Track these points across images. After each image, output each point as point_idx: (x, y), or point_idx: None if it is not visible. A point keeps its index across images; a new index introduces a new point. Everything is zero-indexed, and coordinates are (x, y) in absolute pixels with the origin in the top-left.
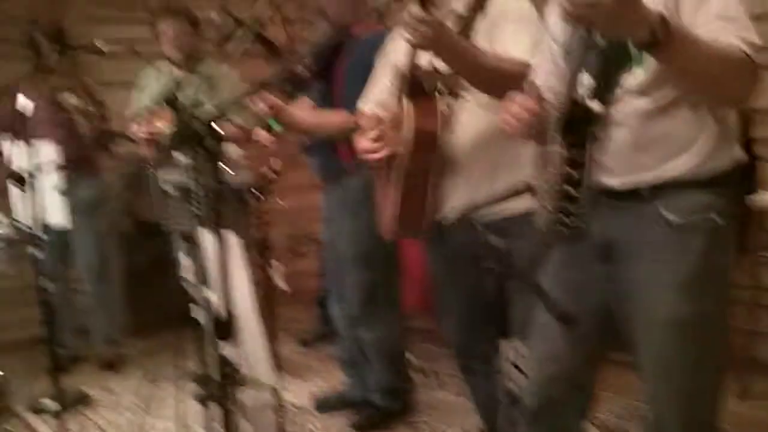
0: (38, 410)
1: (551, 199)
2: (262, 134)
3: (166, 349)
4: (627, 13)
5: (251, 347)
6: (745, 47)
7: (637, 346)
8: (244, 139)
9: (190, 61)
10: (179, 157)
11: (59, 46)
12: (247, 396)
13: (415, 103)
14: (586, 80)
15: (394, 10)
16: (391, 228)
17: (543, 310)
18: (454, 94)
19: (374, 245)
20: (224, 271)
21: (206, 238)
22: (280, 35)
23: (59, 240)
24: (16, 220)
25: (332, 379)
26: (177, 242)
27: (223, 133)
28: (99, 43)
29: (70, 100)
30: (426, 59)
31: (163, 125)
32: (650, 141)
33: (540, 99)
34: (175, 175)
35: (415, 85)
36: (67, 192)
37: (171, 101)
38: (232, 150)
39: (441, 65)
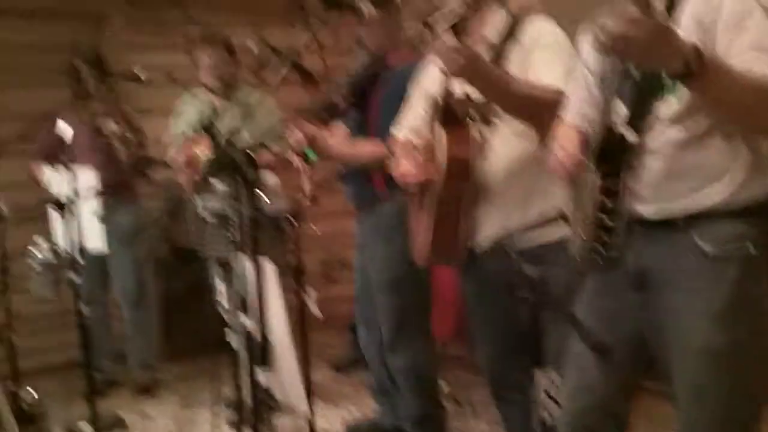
0: None
1: (585, 228)
2: (297, 161)
3: (201, 374)
4: (661, 45)
5: (285, 373)
6: None
7: (672, 375)
8: (281, 166)
9: (227, 88)
10: (217, 184)
11: (98, 73)
12: (280, 422)
13: (448, 131)
14: (620, 109)
15: (428, 39)
16: (425, 255)
17: (577, 339)
18: (487, 121)
19: (406, 272)
20: (261, 298)
21: (243, 265)
22: (316, 63)
23: (97, 265)
24: (56, 245)
25: (364, 406)
26: (213, 268)
27: (260, 161)
28: (137, 70)
29: (109, 126)
30: (459, 87)
31: (201, 152)
32: (684, 170)
33: (583, 140)
34: (212, 201)
35: (449, 113)
36: (105, 218)
37: (208, 128)
38: (268, 177)
39: (474, 93)
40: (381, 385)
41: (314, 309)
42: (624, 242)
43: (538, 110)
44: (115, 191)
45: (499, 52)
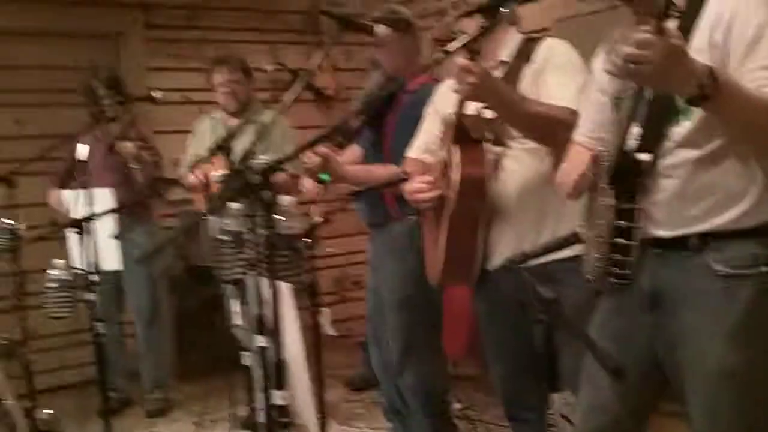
0: None
1: (599, 248)
2: (309, 186)
3: (214, 393)
4: (675, 68)
5: (299, 393)
6: None
7: (686, 396)
8: (296, 187)
9: (243, 109)
10: (233, 205)
11: (115, 93)
12: None
13: (462, 151)
14: (634, 131)
15: (444, 61)
16: (438, 274)
17: (591, 359)
18: (502, 141)
19: (417, 290)
20: (276, 318)
21: (257, 285)
22: (329, 83)
23: (112, 284)
24: (71, 265)
25: (378, 425)
26: (228, 288)
27: (276, 182)
28: (154, 93)
29: (125, 146)
30: (474, 107)
31: (217, 173)
32: (698, 191)
33: (594, 160)
34: (227, 221)
35: (462, 132)
36: (121, 237)
37: (224, 149)
38: (283, 197)
39: (488, 113)
40: (392, 404)
41: (328, 328)
42: (638, 263)
43: (551, 130)
44: (131, 211)
45: (512, 72)
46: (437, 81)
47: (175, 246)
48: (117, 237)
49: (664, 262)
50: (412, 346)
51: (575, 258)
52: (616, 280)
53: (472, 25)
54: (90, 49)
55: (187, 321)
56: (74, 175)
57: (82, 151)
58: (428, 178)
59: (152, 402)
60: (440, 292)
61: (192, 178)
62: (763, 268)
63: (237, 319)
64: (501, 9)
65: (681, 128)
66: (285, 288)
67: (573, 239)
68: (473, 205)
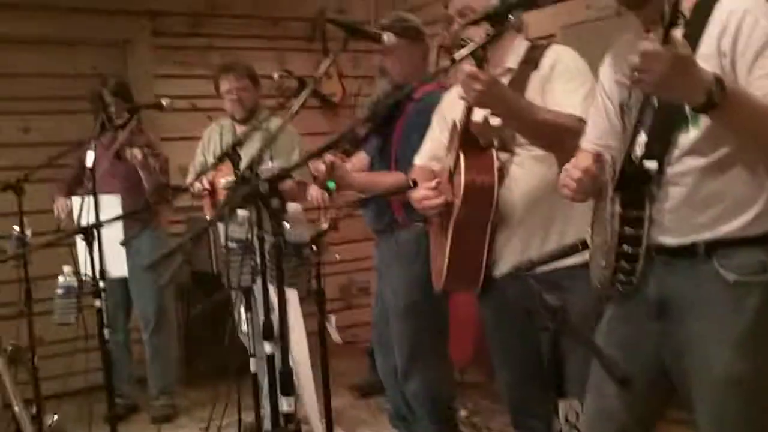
0: None
1: (606, 255)
2: (315, 193)
3: (220, 400)
4: (682, 78)
5: (306, 399)
6: None
7: (694, 404)
8: (303, 194)
9: (250, 116)
10: (240, 212)
11: (123, 100)
12: None
13: (469, 158)
14: (641, 139)
15: (451, 69)
16: (443, 280)
17: (597, 367)
18: (508, 148)
19: (423, 297)
20: (283, 325)
21: (264, 292)
22: (335, 89)
23: (119, 290)
24: (79, 271)
25: (383, 431)
26: (235, 295)
27: (283, 189)
28: (163, 101)
29: (133, 153)
30: (480, 114)
31: (225, 180)
32: (705, 199)
33: (597, 159)
34: (235, 228)
35: (470, 140)
36: (129, 243)
37: (232, 157)
38: (290, 205)
39: (495, 120)
40: (398, 410)
41: (335, 335)
42: (645, 270)
43: (558, 137)
44: (138, 218)
45: (519, 79)
46: (444, 88)
47: (183, 253)
48: (124, 244)
49: (672, 270)
50: (418, 352)
51: (582, 265)
52: (622, 288)
53: (478, 33)
54: (97, 57)
55: (194, 327)
56: (81, 182)
57: (90, 158)
58: (434, 185)
59: (158, 408)
60: (446, 299)
61: (199, 185)
62: None
63: (243, 326)
64: (508, 17)
65: (688, 136)
66: (292, 295)
67: (580, 246)
68: (479, 211)
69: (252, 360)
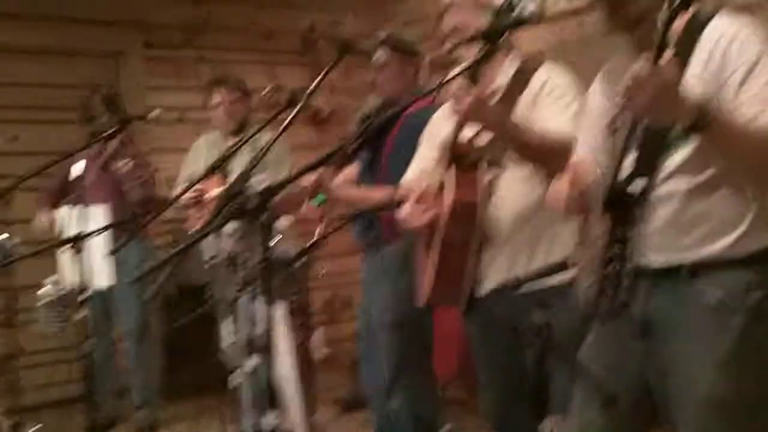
0: None
1: (593, 275)
2: (308, 209)
3: (203, 413)
4: (670, 102)
5: (292, 414)
6: None
7: (677, 424)
8: (292, 208)
9: (241, 129)
10: (228, 225)
11: (113, 111)
12: None
13: (457, 174)
14: (630, 160)
15: (442, 87)
16: (428, 295)
17: (582, 386)
18: (497, 166)
19: (409, 312)
20: (269, 339)
21: (250, 305)
22: (325, 103)
23: (103, 301)
24: (64, 281)
25: None
26: (221, 308)
27: (272, 202)
28: (154, 113)
29: (121, 164)
30: (470, 132)
31: (213, 192)
32: (691, 220)
33: (585, 174)
34: (222, 242)
35: (459, 157)
36: (114, 255)
37: (221, 169)
38: (281, 220)
39: (484, 138)
40: (382, 425)
41: (320, 349)
42: (630, 290)
43: (547, 155)
44: (125, 228)
45: (508, 97)
46: (435, 105)
47: (169, 265)
48: (111, 254)
49: (657, 290)
50: (403, 367)
51: (568, 284)
52: (608, 307)
53: (471, 51)
54: (89, 68)
55: (177, 339)
56: (67, 192)
57: (78, 168)
58: (421, 203)
59: (140, 420)
60: (431, 315)
61: (187, 197)
62: (755, 297)
63: (228, 339)
64: (500, 37)
65: (675, 157)
66: (280, 309)
67: (566, 265)
68: (465, 228)
69: (234, 373)
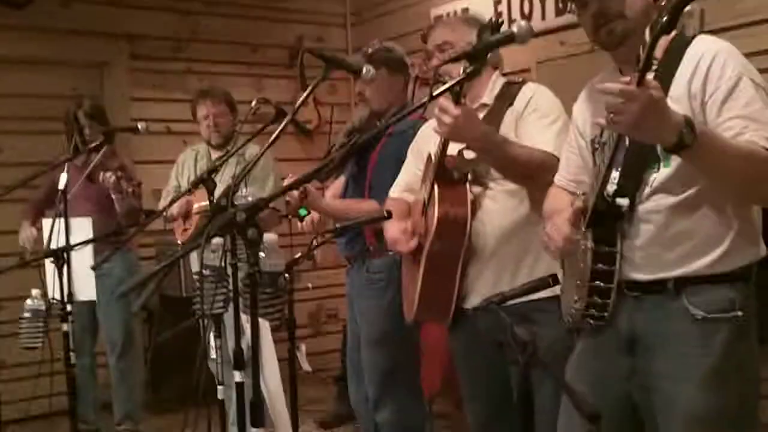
0: None
1: (578, 290)
2: (301, 223)
3: (186, 427)
4: (654, 120)
5: (278, 429)
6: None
7: None
8: (274, 221)
9: (227, 142)
10: (214, 239)
11: (98, 123)
12: None
13: (443, 190)
14: (614, 177)
15: (429, 104)
16: (414, 311)
17: (567, 402)
18: (482, 182)
19: (395, 326)
20: (255, 356)
21: (236, 320)
22: (311, 116)
23: (87, 313)
24: (46, 294)
25: None
26: (206, 323)
27: (260, 218)
28: (139, 125)
29: (106, 176)
30: (456, 147)
31: (199, 206)
32: (675, 237)
33: (577, 216)
34: (209, 256)
35: (445, 173)
36: (99, 267)
37: (207, 183)
38: (267, 235)
39: (469, 154)
40: None
41: (305, 364)
42: (616, 306)
43: (531, 172)
44: (110, 241)
45: (493, 114)
46: (422, 119)
47: (154, 279)
48: (94, 268)
49: (642, 306)
50: (389, 382)
51: (552, 299)
52: (594, 323)
53: (456, 69)
54: (74, 78)
55: (161, 353)
56: (52, 204)
57: (62, 180)
58: (408, 227)
59: None
60: (418, 328)
61: (172, 210)
62: (739, 313)
63: (212, 353)
64: (486, 56)
65: (659, 175)
66: (265, 324)
67: (551, 281)
68: (451, 244)
69: (220, 388)
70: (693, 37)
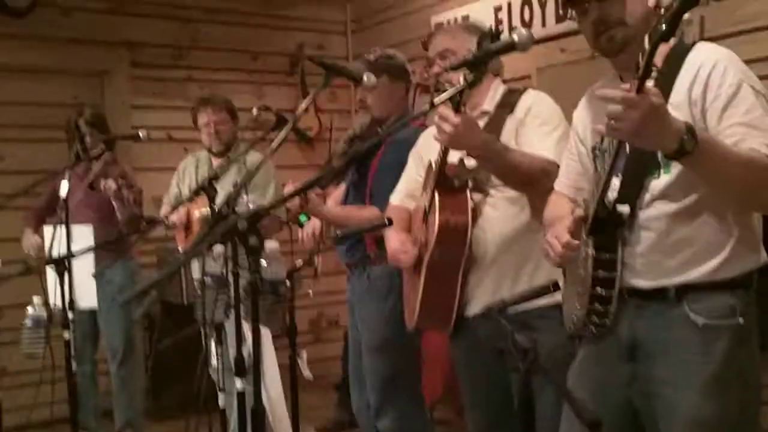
0: None
1: (579, 297)
2: (302, 235)
3: None
4: (656, 126)
5: None
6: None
7: None
8: (277, 228)
9: (228, 150)
10: (215, 247)
11: (99, 131)
12: None
13: (444, 197)
14: (615, 183)
15: (429, 113)
16: (415, 319)
17: (568, 409)
18: (482, 189)
19: (396, 333)
20: (257, 363)
21: (237, 328)
22: (311, 123)
23: (88, 321)
24: (47, 302)
25: None
26: (207, 330)
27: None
28: (141, 133)
29: (107, 184)
30: (457, 155)
31: (200, 213)
32: (676, 244)
33: (577, 224)
34: (210, 264)
35: (445, 180)
36: (100, 275)
37: (208, 190)
38: (268, 243)
39: (470, 161)
40: None
41: (306, 371)
42: (617, 312)
43: (532, 179)
44: (111, 248)
45: (494, 121)
46: (423, 127)
47: (155, 287)
48: (96, 276)
49: (643, 313)
50: (391, 389)
51: (553, 306)
52: (596, 330)
53: (457, 77)
54: (75, 86)
55: (162, 360)
56: (53, 211)
57: (64, 187)
58: (408, 240)
59: None
60: (419, 336)
61: (173, 217)
62: (740, 320)
63: (213, 360)
64: (486, 65)
65: (660, 182)
66: (266, 332)
67: (551, 288)
68: (452, 251)
69: (221, 395)
70: (693, 44)
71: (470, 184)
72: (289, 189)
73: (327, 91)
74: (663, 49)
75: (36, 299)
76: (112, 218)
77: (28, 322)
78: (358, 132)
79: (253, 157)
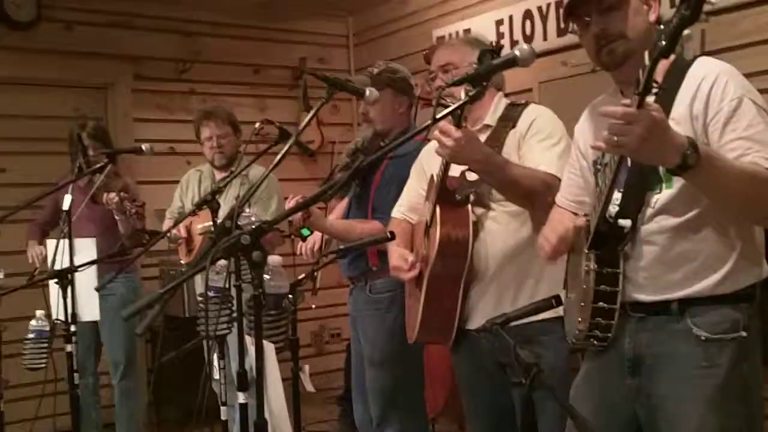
0: None
1: (581, 312)
2: (303, 250)
3: None
4: (658, 141)
5: None
6: None
7: None
8: (279, 241)
9: (230, 163)
10: (218, 261)
11: (101, 144)
12: None
13: (445, 211)
14: (616, 198)
15: (431, 127)
16: (416, 332)
17: (572, 424)
18: (484, 203)
19: (398, 347)
20: (260, 377)
21: (240, 341)
22: (314, 136)
23: (90, 333)
24: (50, 315)
25: None
26: (210, 344)
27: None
28: (144, 147)
29: (110, 197)
30: (458, 169)
31: (203, 227)
32: (678, 258)
33: (572, 221)
34: (213, 277)
35: (447, 194)
36: (102, 287)
37: (211, 204)
38: (271, 257)
39: (472, 175)
40: None
41: (308, 384)
42: (620, 327)
43: (533, 193)
44: (113, 261)
45: (496, 135)
46: (425, 141)
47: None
48: (99, 290)
49: (646, 327)
50: (393, 402)
51: (556, 320)
52: (598, 344)
53: (459, 91)
54: (78, 99)
55: (164, 373)
56: (56, 224)
57: (66, 201)
58: (410, 256)
59: None
60: (421, 348)
61: (176, 232)
62: (743, 333)
63: (216, 374)
64: (487, 80)
65: (661, 196)
66: (270, 346)
67: (553, 301)
68: (453, 265)
69: (223, 408)
70: (693, 59)
71: (472, 198)
72: (290, 203)
73: (329, 104)
74: (663, 65)
75: (39, 312)
76: (114, 231)
77: (30, 335)
78: (361, 145)
79: (256, 171)
